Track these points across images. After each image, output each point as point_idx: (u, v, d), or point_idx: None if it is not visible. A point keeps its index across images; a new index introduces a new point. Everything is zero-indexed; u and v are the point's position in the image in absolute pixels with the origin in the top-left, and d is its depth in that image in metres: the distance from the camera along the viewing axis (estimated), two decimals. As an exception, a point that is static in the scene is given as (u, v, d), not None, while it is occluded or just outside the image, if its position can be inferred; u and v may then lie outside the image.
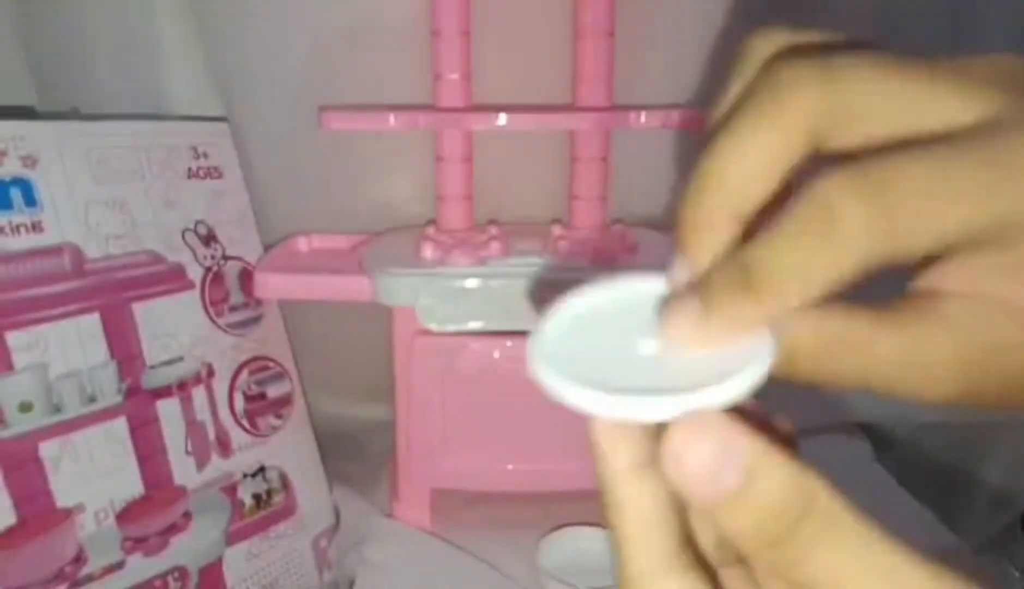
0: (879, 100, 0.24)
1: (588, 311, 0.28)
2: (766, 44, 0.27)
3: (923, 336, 0.27)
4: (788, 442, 0.27)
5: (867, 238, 0.23)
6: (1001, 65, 0.25)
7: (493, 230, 0.67)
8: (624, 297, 0.28)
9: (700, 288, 0.25)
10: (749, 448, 0.23)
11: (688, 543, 0.26)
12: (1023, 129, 0.24)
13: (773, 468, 0.23)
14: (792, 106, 0.24)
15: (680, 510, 0.26)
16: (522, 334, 0.61)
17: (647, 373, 0.26)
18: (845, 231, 0.23)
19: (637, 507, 0.25)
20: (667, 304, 0.26)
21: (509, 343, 0.60)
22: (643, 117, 0.67)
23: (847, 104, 0.24)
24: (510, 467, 0.64)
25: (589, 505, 0.62)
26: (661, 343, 0.26)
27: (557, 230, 0.68)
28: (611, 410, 0.24)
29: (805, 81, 0.24)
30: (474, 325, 0.60)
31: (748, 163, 0.25)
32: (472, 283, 0.60)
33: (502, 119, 0.65)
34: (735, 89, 0.27)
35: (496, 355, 0.60)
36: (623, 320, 0.28)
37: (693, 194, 0.26)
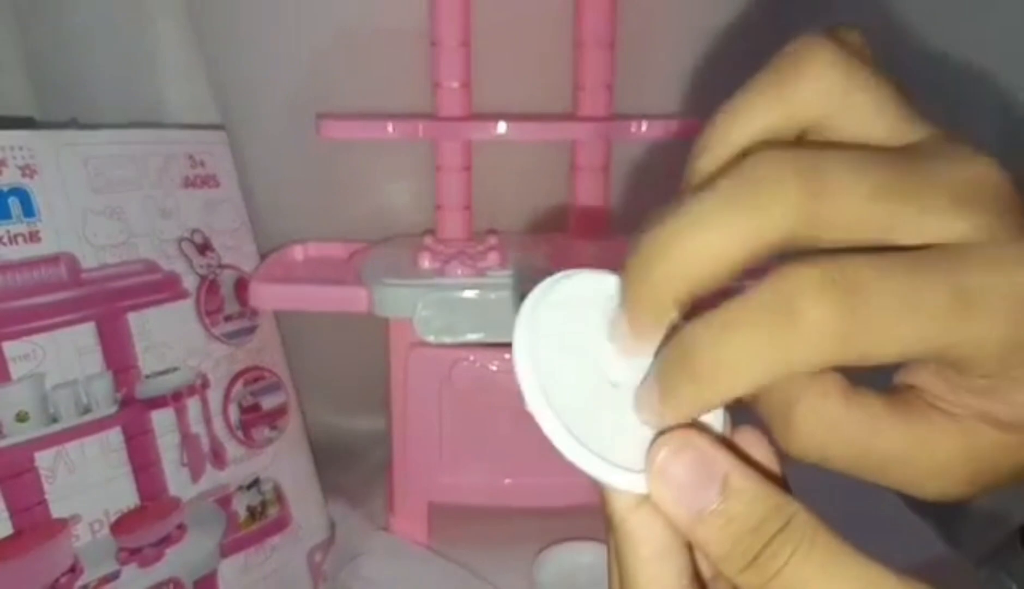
0: (863, 215, 0.24)
1: (566, 314, 0.28)
2: (740, 128, 0.26)
3: (932, 433, 0.26)
4: (770, 464, 0.27)
5: (827, 342, 0.22)
6: (986, 178, 0.24)
7: (492, 240, 0.67)
8: (598, 294, 0.28)
9: (654, 367, 0.26)
10: (727, 465, 0.25)
11: (696, 580, 0.26)
12: (991, 257, 0.23)
13: (750, 484, 0.24)
14: (771, 207, 0.23)
15: (688, 546, 0.26)
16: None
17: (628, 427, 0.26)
18: (805, 331, 0.22)
19: (648, 539, 0.26)
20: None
21: (507, 356, 0.60)
22: (644, 127, 0.67)
23: (829, 215, 0.23)
24: (508, 481, 0.64)
25: (587, 520, 0.62)
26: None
27: (557, 241, 0.67)
28: (608, 477, 0.25)
29: (789, 184, 0.23)
30: (472, 337, 0.60)
31: (712, 251, 0.24)
32: (470, 294, 0.60)
33: (502, 128, 0.65)
34: (704, 163, 0.27)
35: (494, 368, 0.60)
36: (600, 330, 0.28)
37: (643, 264, 0.25)
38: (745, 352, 0.23)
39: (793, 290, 0.22)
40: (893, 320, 0.23)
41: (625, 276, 0.26)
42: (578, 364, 0.27)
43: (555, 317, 0.28)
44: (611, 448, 0.26)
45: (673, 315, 0.25)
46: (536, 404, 0.27)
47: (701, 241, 0.23)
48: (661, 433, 0.25)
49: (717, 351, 0.23)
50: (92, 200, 0.58)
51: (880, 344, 0.23)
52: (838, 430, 0.26)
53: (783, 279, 0.23)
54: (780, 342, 0.23)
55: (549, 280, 0.28)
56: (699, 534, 0.24)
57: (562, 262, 0.63)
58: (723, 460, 0.25)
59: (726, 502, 0.24)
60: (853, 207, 0.23)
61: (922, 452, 0.26)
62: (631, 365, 0.27)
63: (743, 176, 0.23)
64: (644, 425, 0.26)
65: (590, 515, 0.62)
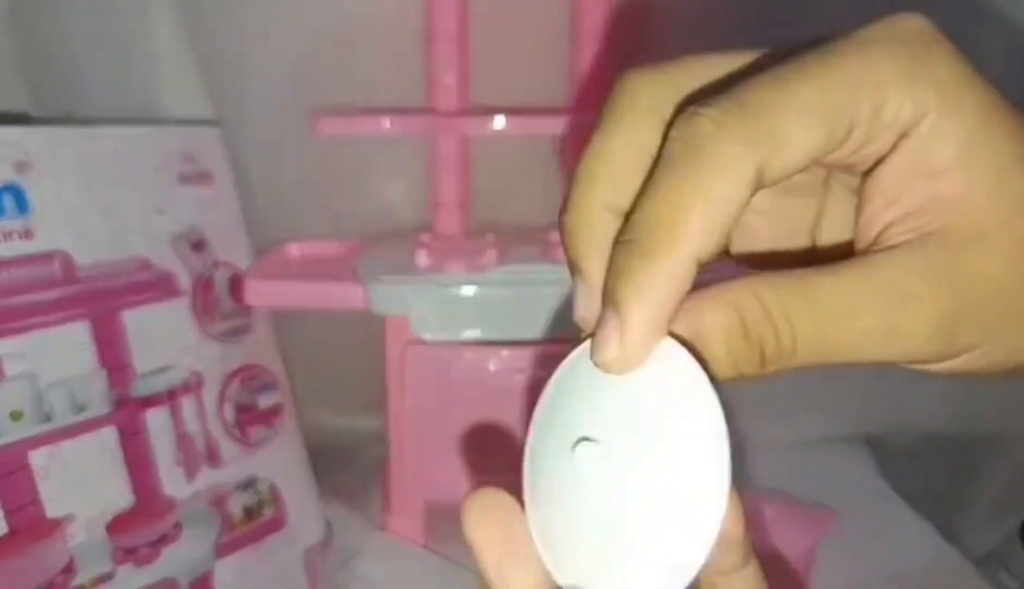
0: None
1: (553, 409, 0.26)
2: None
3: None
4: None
5: (745, 164, 0.22)
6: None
7: (489, 237, 0.66)
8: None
9: (605, 297, 0.24)
10: None
11: None
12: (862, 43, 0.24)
13: None
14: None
15: None
16: (518, 344, 0.61)
17: (609, 526, 0.24)
18: (723, 165, 0.22)
19: None
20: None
21: (504, 353, 0.60)
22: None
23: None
24: (505, 480, 0.63)
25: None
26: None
27: (554, 237, 0.67)
28: None
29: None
30: (469, 335, 0.60)
31: (616, 155, 0.25)
32: (467, 291, 0.59)
33: (499, 123, 0.65)
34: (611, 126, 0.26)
35: (491, 365, 0.60)
36: (565, 421, 0.25)
37: (569, 197, 0.26)
38: (682, 206, 0.23)
39: (694, 135, 0.23)
40: (789, 122, 0.23)
41: (561, 221, 0.26)
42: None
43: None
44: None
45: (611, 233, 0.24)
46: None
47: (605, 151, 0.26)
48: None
49: (656, 215, 0.23)
50: (86, 197, 0.58)
51: (793, 148, 0.23)
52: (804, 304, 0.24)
53: (682, 131, 0.23)
54: (708, 186, 0.22)
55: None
56: None
57: (557, 258, 0.63)
58: None
59: None
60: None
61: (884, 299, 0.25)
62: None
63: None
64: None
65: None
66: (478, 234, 0.69)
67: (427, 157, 0.68)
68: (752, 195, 0.23)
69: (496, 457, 0.63)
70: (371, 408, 0.74)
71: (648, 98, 0.25)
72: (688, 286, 0.23)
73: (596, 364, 0.23)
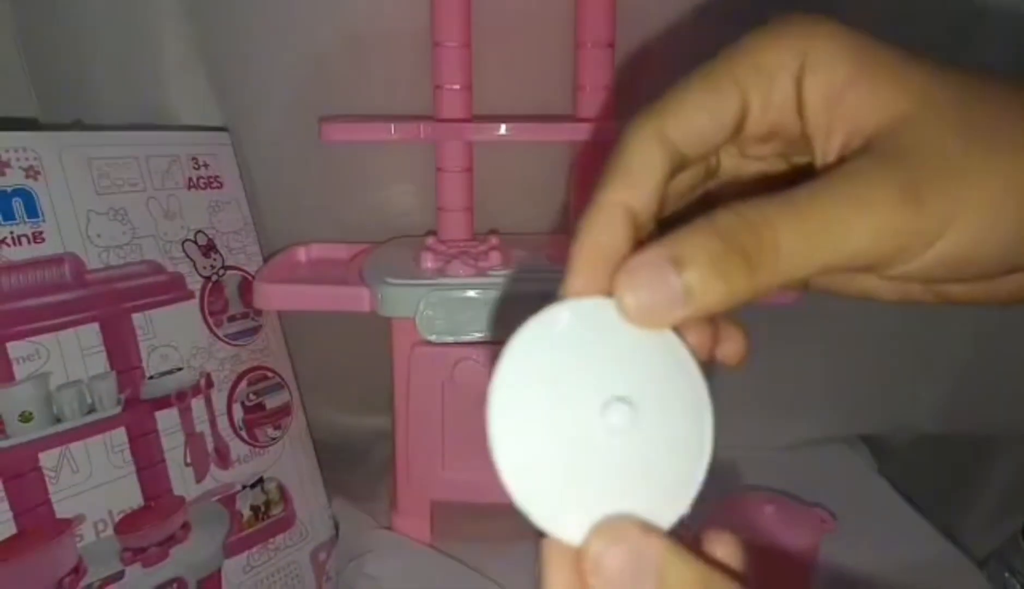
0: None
1: (547, 349, 0.28)
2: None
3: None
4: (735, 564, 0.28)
5: (647, 131, 0.29)
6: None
7: (493, 240, 0.67)
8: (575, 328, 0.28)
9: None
10: (660, 555, 0.25)
11: None
12: None
13: (685, 573, 0.25)
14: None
15: None
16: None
17: (594, 473, 0.27)
18: (633, 137, 0.29)
19: None
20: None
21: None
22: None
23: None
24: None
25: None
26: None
27: (558, 241, 0.68)
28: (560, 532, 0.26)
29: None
30: (474, 336, 0.60)
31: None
32: (472, 294, 0.60)
33: (503, 129, 0.65)
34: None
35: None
36: (586, 378, 0.27)
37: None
38: (605, 175, 0.29)
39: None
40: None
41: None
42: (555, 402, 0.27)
43: (540, 357, 0.28)
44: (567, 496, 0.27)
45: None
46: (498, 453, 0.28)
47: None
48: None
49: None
50: (96, 201, 0.58)
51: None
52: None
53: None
54: (621, 154, 0.29)
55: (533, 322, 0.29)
56: None
57: (560, 262, 0.63)
58: (657, 550, 0.25)
59: None
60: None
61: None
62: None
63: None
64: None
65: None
66: (482, 238, 0.69)
67: (432, 163, 0.69)
68: (667, 160, 0.29)
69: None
70: (378, 409, 0.75)
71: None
72: (623, 231, 0.28)
73: (563, 291, 0.28)
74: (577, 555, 0.26)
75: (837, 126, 0.29)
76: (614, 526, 0.26)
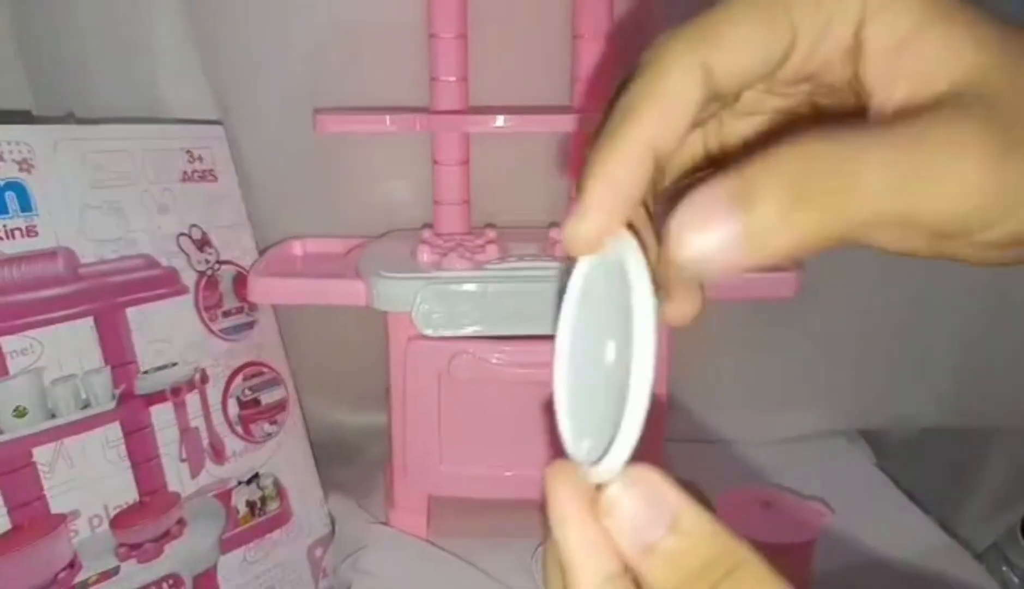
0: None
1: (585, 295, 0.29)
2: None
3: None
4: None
5: (687, 60, 0.25)
6: None
7: (490, 234, 0.66)
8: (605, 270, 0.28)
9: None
10: (677, 503, 0.25)
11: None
12: None
13: (700, 524, 0.25)
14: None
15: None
16: (519, 339, 0.61)
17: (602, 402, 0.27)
18: (669, 64, 0.25)
19: (583, 530, 0.26)
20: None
21: (506, 348, 0.60)
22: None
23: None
24: (507, 474, 0.63)
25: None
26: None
27: (555, 234, 0.67)
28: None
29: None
30: (470, 330, 0.60)
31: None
32: (469, 287, 0.60)
33: (499, 121, 0.65)
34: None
35: (493, 360, 0.60)
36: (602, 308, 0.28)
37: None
38: (630, 101, 0.26)
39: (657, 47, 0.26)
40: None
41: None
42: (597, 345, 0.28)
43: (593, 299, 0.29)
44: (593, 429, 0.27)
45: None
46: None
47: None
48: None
49: (614, 116, 0.26)
50: (90, 195, 0.58)
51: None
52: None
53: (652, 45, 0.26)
54: (653, 81, 0.26)
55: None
56: (645, 568, 0.25)
57: (557, 255, 0.63)
58: (675, 499, 0.25)
59: (674, 540, 0.24)
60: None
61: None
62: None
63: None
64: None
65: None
66: (478, 231, 0.69)
67: (428, 155, 0.68)
68: (705, 94, 0.25)
69: (498, 451, 0.63)
70: (374, 403, 0.75)
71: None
72: (644, 170, 0.25)
73: (564, 241, 0.27)
74: (590, 497, 0.26)
75: (902, 75, 0.26)
76: (632, 469, 0.25)
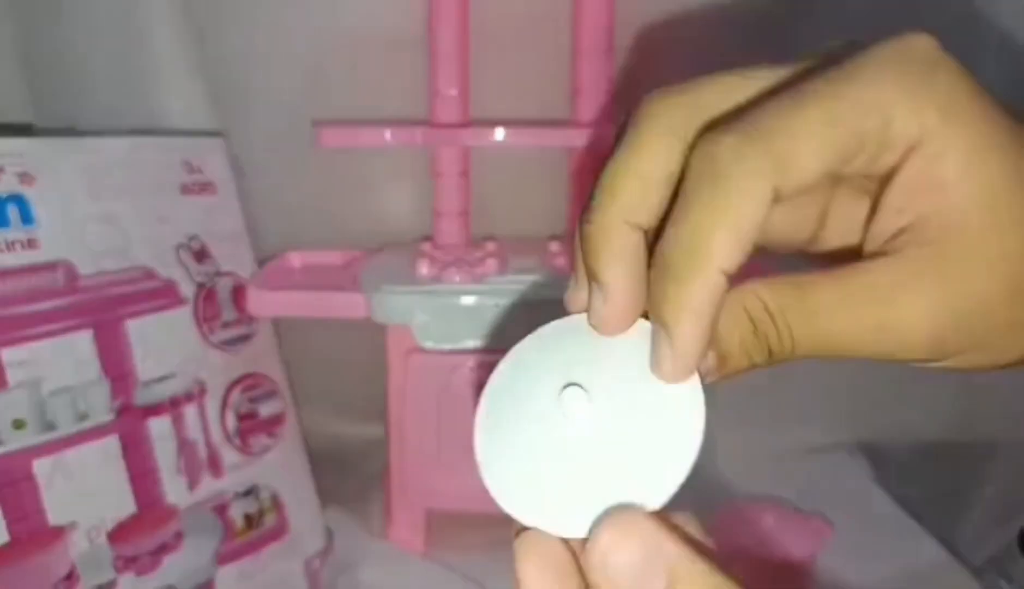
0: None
1: (525, 368, 0.30)
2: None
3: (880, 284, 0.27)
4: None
5: (761, 188, 0.25)
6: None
7: (490, 247, 0.67)
8: (551, 344, 0.30)
9: (654, 319, 0.26)
10: (674, 553, 0.24)
11: None
12: (862, 60, 0.26)
13: (697, 576, 0.23)
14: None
15: None
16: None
17: (577, 467, 0.26)
18: (741, 191, 0.25)
19: None
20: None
21: (506, 362, 0.60)
22: (641, 134, 0.66)
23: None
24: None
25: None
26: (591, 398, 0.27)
27: (555, 247, 0.67)
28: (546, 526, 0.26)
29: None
30: (470, 343, 0.60)
31: (639, 174, 0.27)
32: (468, 301, 0.60)
33: (499, 135, 0.65)
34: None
35: (491, 374, 0.60)
36: (553, 373, 0.28)
37: (591, 209, 0.28)
38: (705, 235, 0.25)
39: (712, 162, 0.25)
40: (800, 140, 0.25)
41: (583, 229, 0.28)
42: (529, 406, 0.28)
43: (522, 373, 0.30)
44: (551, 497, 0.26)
45: (632, 245, 0.27)
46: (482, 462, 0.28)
47: (630, 167, 0.27)
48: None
49: (682, 243, 0.25)
50: (90, 207, 0.58)
51: (804, 165, 0.25)
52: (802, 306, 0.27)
53: (701, 160, 0.26)
54: (728, 210, 0.25)
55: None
56: None
57: (558, 268, 0.63)
58: (670, 550, 0.24)
59: None
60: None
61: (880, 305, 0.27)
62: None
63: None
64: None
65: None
66: (478, 244, 0.69)
67: (428, 168, 0.68)
68: (769, 212, 0.25)
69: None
70: (372, 416, 0.75)
71: (670, 121, 0.27)
72: (721, 297, 0.25)
73: (658, 376, 0.27)
74: (557, 556, 0.26)
75: (908, 213, 0.27)
76: (624, 518, 0.24)
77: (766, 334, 0.27)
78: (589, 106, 0.67)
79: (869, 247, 0.28)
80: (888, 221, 0.27)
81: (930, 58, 0.26)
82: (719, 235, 0.25)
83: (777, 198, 0.25)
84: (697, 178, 0.25)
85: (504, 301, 0.59)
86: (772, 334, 0.27)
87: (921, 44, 0.26)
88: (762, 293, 0.27)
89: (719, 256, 0.25)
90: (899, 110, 0.25)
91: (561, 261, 0.64)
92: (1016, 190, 0.26)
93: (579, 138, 0.67)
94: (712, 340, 0.26)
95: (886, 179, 0.27)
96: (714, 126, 0.26)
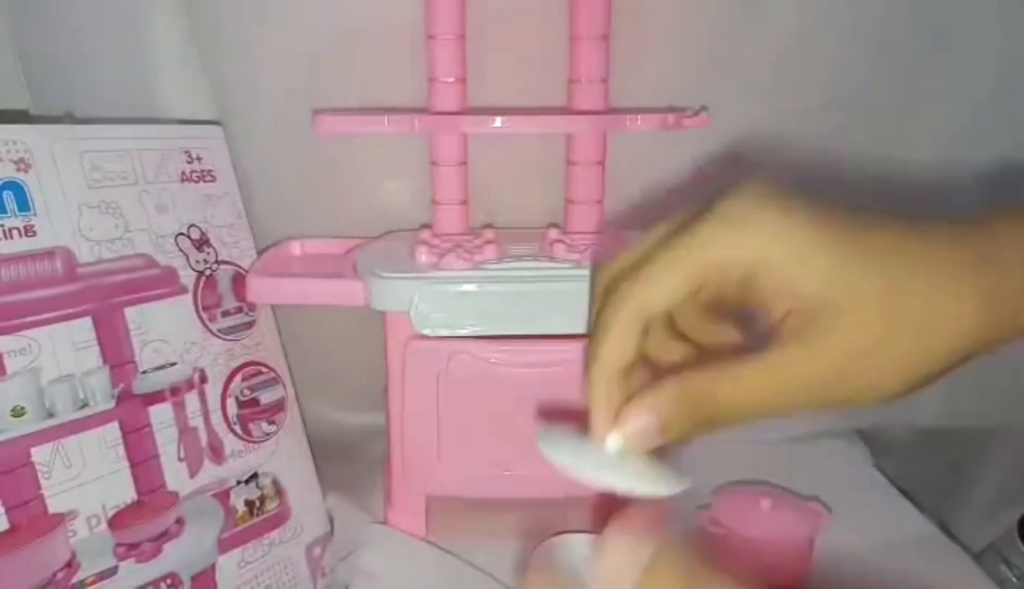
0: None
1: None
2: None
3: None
4: None
5: (631, 310, 0.38)
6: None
7: (488, 234, 0.67)
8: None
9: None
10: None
11: None
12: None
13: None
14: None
15: None
16: (517, 338, 0.61)
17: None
18: (618, 316, 0.39)
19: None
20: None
21: (504, 348, 0.60)
22: (640, 120, 0.66)
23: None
24: (506, 474, 0.63)
25: (584, 512, 0.62)
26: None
27: (553, 234, 0.67)
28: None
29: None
30: (469, 330, 0.60)
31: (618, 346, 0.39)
32: (467, 288, 0.60)
33: (498, 122, 0.65)
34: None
35: (491, 360, 0.60)
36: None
37: (589, 371, 0.40)
38: (596, 341, 0.40)
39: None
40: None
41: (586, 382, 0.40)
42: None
43: None
44: None
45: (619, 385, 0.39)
46: None
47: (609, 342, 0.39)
48: None
49: (591, 351, 0.40)
50: (88, 195, 0.58)
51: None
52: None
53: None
54: (609, 328, 0.39)
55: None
56: None
57: (555, 255, 0.63)
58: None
59: None
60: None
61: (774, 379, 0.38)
62: None
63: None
64: None
65: (588, 507, 0.62)
66: (477, 231, 0.69)
67: (427, 156, 0.68)
68: (642, 323, 0.38)
69: (496, 450, 0.63)
70: (372, 403, 0.75)
71: (625, 315, 0.39)
72: (616, 380, 0.39)
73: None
74: None
75: (777, 308, 0.38)
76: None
77: (698, 410, 0.37)
78: (587, 93, 0.67)
79: (773, 326, 0.38)
80: (770, 315, 0.38)
81: (757, 202, 0.37)
82: (603, 344, 0.39)
83: (646, 315, 0.38)
84: (599, 320, 0.39)
85: (502, 288, 0.59)
86: (704, 409, 0.37)
87: (752, 191, 0.37)
88: (696, 378, 0.38)
89: (604, 355, 0.39)
90: (736, 246, 0.37)
91: (559, 248, 0.64)
92: (848, 274, 0.36)
93: (577, 125, 0.67)
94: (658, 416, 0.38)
95: (751, 290, 0.38)
96: (622, 277, 0.39)
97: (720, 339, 0.43)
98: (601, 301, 0.40)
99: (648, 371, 0.41)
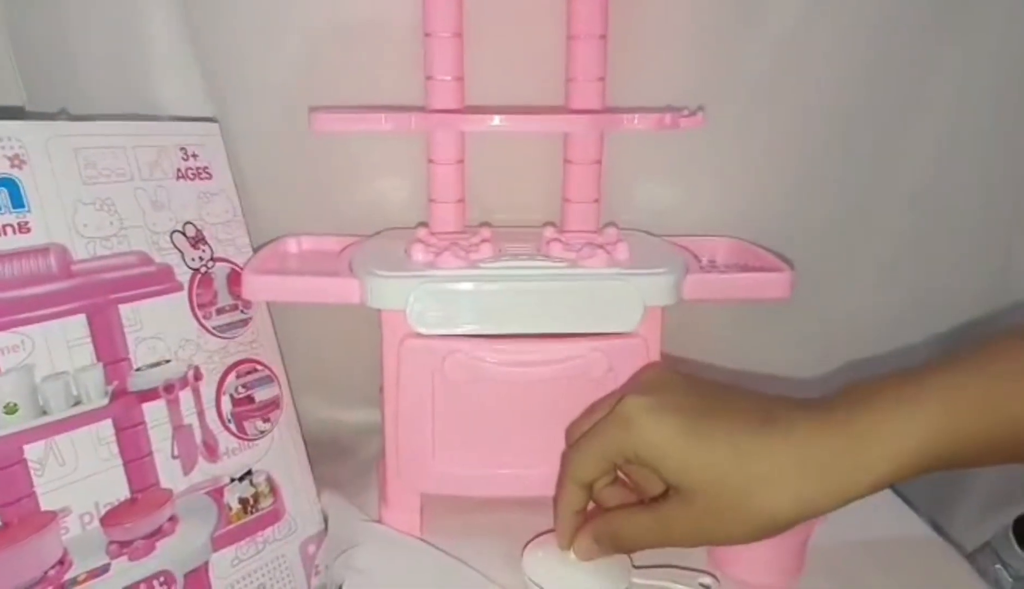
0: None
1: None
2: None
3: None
4: None
5: (574, 480, 0.55)
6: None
7: (485, 232, 0.66)
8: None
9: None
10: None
11: None
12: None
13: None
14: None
15: None
16: (513, 338, 0.61)
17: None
18: (565, 481, 0.55)
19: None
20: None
21: (500, 346, 0.60)
22: (636, 120, 0.66)
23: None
24: (501, 472, 0.63)
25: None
26: None
27: (549, 233, 0.67)
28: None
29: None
30: (465, 329, 0.60)
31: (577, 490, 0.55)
32: (463, 286, 0.60)
33: (495, 121, 0.65)
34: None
35: (487, 358, 0.60)
36: None
37: (555, 510, 0.57)
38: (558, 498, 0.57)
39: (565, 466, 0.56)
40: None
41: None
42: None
43: None
44: None
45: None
46: None
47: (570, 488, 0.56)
48: None
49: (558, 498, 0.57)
50: (83, 191, 0.58)
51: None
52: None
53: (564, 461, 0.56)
54: (561, 490, 0.56)
55: None
56: None
57: (551, 254, 0.63)
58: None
59: None
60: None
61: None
62: None
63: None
64: None
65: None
66: (473, 229, 0.69)
67: (423, 154, 0.68)
68: (580, 486, 0.55)
69: (491, 449, 0.63)
70: (367, 401, 0.75)
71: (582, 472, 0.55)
72: (570, 519, 0.56)
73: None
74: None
75: (657, 482, 0.53)
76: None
77: (609, 542, 0.55)
78: (584, 92, 0.67)
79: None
80: (658, 487, 0.53)
81: (642, 407, 0.51)
82: (559, 504, 0.56)
83: (581, 483, 0.55)
84: (559, 477, 0.56)
85: (498, 286, 0.59)
86: (612, 542, 0.55)
87: (641, 395, 0.52)
88: (606, 521, 0.55)
89: (562, 510, 0.56)
90: (624, 442, 0.52)
91: (555, 247, 0.64)
92: (697, 459, 0.49)
93: (574, 124, 0.67)
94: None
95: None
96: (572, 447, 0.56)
97: (649, 489, 0.55)
98: (560, 462, 0.56)
99: (597, 508, 0.57)
